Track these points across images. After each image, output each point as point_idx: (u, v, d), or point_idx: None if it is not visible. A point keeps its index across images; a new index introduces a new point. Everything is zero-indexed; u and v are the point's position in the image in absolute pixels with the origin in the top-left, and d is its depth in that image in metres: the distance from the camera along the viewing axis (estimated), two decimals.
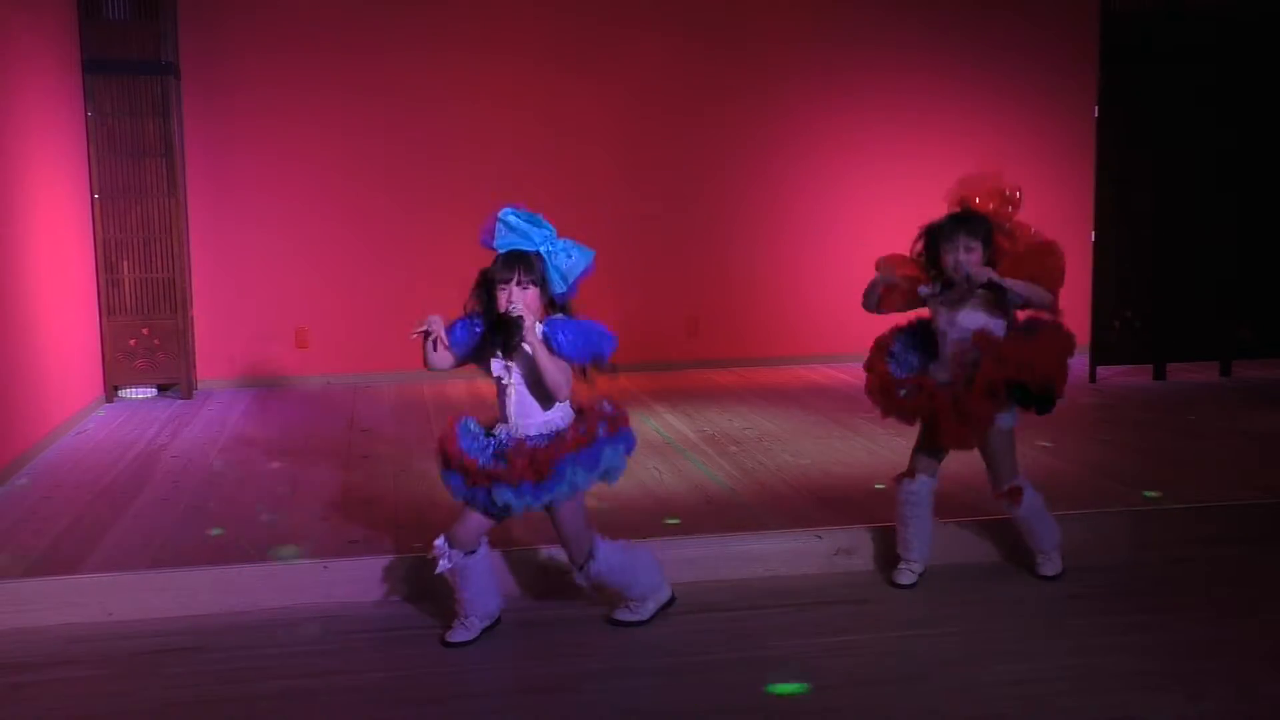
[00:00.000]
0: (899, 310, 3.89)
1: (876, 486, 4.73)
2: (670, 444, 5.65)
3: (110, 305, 7.02)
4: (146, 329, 7.08)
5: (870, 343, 3.98)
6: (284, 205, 7.59)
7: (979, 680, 3.20)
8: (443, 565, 3.43)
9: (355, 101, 7.61)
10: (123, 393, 7.13)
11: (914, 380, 3.80)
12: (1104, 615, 3.67)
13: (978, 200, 3.78)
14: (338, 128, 7.60)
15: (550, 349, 3.32)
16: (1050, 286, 3.70)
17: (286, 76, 7.54)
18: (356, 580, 3.82)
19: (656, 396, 6.94)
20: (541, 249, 3.32)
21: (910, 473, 3.92)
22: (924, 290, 3.80)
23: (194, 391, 7.25)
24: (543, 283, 3.33)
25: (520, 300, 3.28)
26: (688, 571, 3.97)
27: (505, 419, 3.42)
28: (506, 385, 3.39)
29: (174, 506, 4.59)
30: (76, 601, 3.66)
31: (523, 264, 3.30)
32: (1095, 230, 7.30)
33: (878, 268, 3.85)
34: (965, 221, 3.71)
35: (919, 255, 3.81)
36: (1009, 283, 3.63)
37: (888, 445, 5.48)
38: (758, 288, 8.19)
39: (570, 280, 3.35)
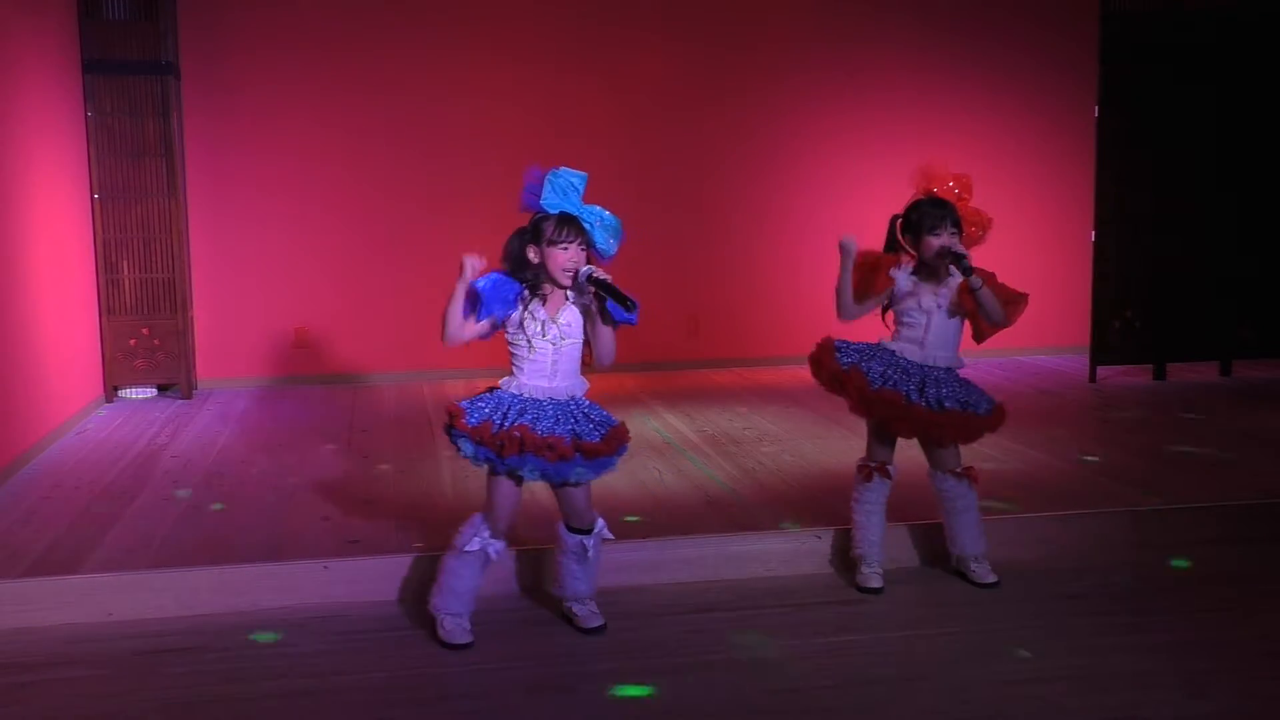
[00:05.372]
0: (877, 301, 3.87)
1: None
2: (670, 444, 5.64)
3: (110, 305, 7.02)
4: (146, 329, 7.08)
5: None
6: (284, 205, 7.59)
7: (979, 680, 3.20)
8: (474, 545, 3.39)
9: (356, 101, 7.61)
10: (123, 393, 7.13)
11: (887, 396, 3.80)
12: (1104, 615, 3.67)
13: (946, 187, 3.83)
14: (338, 127, 7.60)
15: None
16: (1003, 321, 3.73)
17: (286, 76, 7.54)
18: (356, 580, 3.82)
19: (656, 396, 6.94)
20: (585, 211, 3.32)
21: (870, 474, 3.94)
22: (898, 271, 3.81)
23: (194, 391, 7.25)
24: (588, 245, 3.32)
25: (583, 261, 3.27)
26: (688, 571, 3.98)
27: (543, 379, 3.33)
28: (558, 345, 3.32)
29: (174, 506, 4.59)
30: (76, 601, 3.66)
31: (575, 225, 3.29)
32: (1095, 230, 7.29)
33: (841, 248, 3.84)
34: (946, 206, 3.79)
35: (890, 242, 3.87)
36: (984, 292, 3.67)
37: None
38: (758, 288, 8.19)
39: (618, 242, 3.34)
